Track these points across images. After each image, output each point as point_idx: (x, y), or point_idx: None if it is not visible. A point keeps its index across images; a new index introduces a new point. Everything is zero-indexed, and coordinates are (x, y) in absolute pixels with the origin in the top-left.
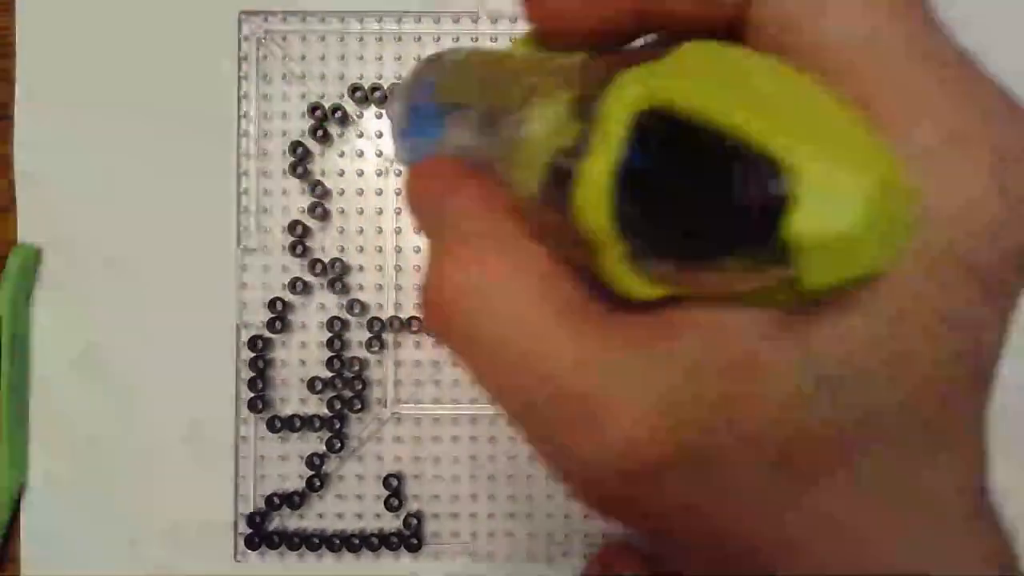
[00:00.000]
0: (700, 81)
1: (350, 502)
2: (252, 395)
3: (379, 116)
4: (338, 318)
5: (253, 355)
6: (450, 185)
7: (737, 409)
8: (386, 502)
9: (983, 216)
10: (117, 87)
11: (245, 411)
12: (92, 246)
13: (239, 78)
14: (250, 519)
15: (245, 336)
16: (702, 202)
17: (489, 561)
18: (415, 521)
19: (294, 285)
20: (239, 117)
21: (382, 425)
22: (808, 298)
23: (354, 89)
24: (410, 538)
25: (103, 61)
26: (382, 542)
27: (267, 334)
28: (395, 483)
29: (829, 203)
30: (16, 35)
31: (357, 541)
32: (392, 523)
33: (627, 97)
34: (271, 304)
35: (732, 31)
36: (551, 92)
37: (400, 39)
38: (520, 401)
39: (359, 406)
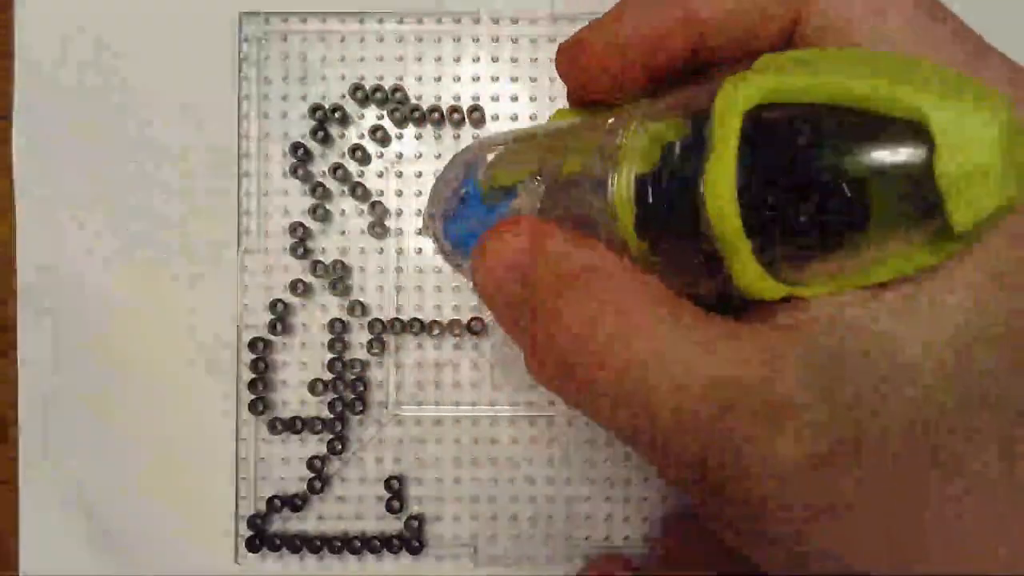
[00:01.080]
0: (796, 71)
1: (351, 504)
2: (253, 397)
3: (380, 117)
4: (339, 320)
5: (254, 357)
6: (537, 235)
7: (882, 396)
8: (387, 504)
9: None
10: (117, 87)
11: (246, 413)
12: (92, 246)
13: (239, 79)
14: (251, 521)
15: (246, 338)
16: (830, 184)
17: (491, 563)
18: (416, 523)
19: (295, 287)
20: (239, 118)
21: (383, 427)
22: (943, 252)
23: (355, 90)
24: (411, 540)
25: (103, 61)
26: (383, 544)
27: (268, 336)
28: (396, 485)
29: (966, 142)
30: (15, 35)
31: (358, 543)
32: (393, 525)
33: (739, 93)
34: (272, 306)
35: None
36: (635, 130)
37: (401, 40)
38: (684, 425)
39: (360, 408)
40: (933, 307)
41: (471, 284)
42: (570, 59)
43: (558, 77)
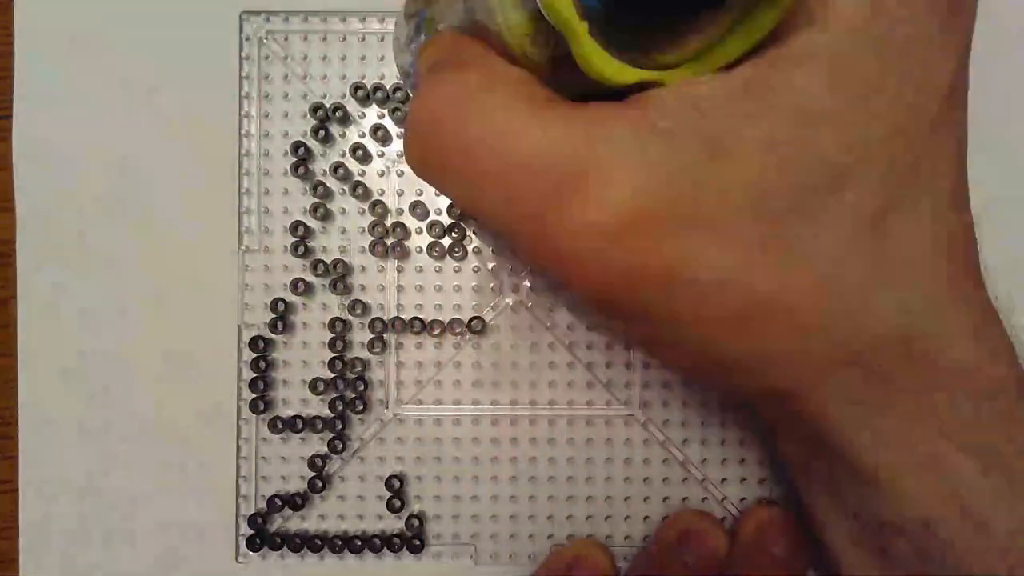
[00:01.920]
0: None
1: (352, 503)
2: (254, 396)
3: (381, 116)
4: (340, 319)
5: (255, 356)
6: (446, 40)
7: (720, 167)
8: (388, 503)
9: None
10: (117, 87)
11: (246, 412)
12: (93, 245)
13: (240, 78)
14: (251, 520)
15: (246, 337)
16: None
17: (492, 563)
18: (417, 522)
19: (296, 286)
20: (240, 117)
21: (384, 426)
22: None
23: (356, 89)
24: (412, 539)
25: (103, 61)
26: (384, 543)
27: (269, 335)
28: (397, 484)
29: None
30: (15, 35)
31: (359, 542)
32: (394, 524)
33: None
34: (273, 305)
35: None
36: None
37: None
38: (508, 187)
39: (361, 407)
40: (776, 90)
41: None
42: None
43: None
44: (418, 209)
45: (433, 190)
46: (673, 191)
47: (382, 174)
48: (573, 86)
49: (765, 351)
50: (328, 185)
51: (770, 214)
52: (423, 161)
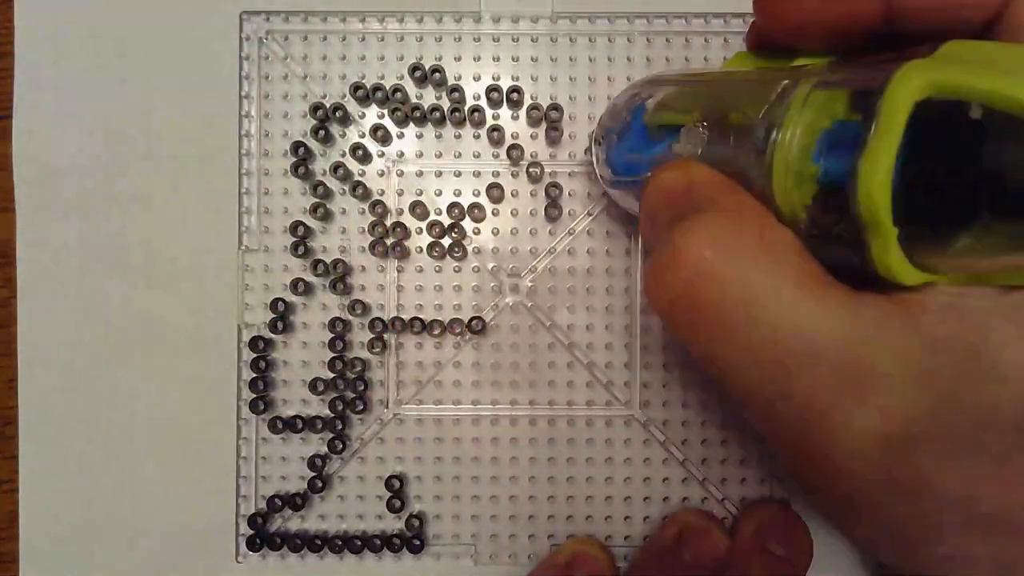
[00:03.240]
0: (973, 68)
1: (352, 503)
2: (253, 396)
3: (381, 116)
4: (340, 319)
5: (255, 356)
6: (695, 174)
7: (980, 384)
8: (388, 503)
9: None
10: (117, 87)
11: (246, 412)
12: (93, 246)
13: (240, 78)
14: (251, 520)
15: (246, 337)
16: (975, 182)
17: (491, 563)
18: (417, 522)
19: (296, 286)
20: (240, 117)
21: (384, 426)
22: None
23: (356, 89)
24: (412, 539)
25: (103, 60)
26: (384, 543)
27: (268, 335)
28: (397, 484)
29: None
30: (15, 35)
31: (359, 542)
32: (394, 524)
33: (912, 85)
34: (273, 305)
35: (984, 34)
36: (803, 97)
37: (402, 39)
38: (775, 364)
39: (361, 407)
40: None
41: (633, 209)
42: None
43: (559, 77)
44: (418, 209)
45: (433, 190)
46: (946, 405)
47: (382, 174)
48: (825, 254)
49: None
50: (328, 185)
51: None
52: (676, 307)
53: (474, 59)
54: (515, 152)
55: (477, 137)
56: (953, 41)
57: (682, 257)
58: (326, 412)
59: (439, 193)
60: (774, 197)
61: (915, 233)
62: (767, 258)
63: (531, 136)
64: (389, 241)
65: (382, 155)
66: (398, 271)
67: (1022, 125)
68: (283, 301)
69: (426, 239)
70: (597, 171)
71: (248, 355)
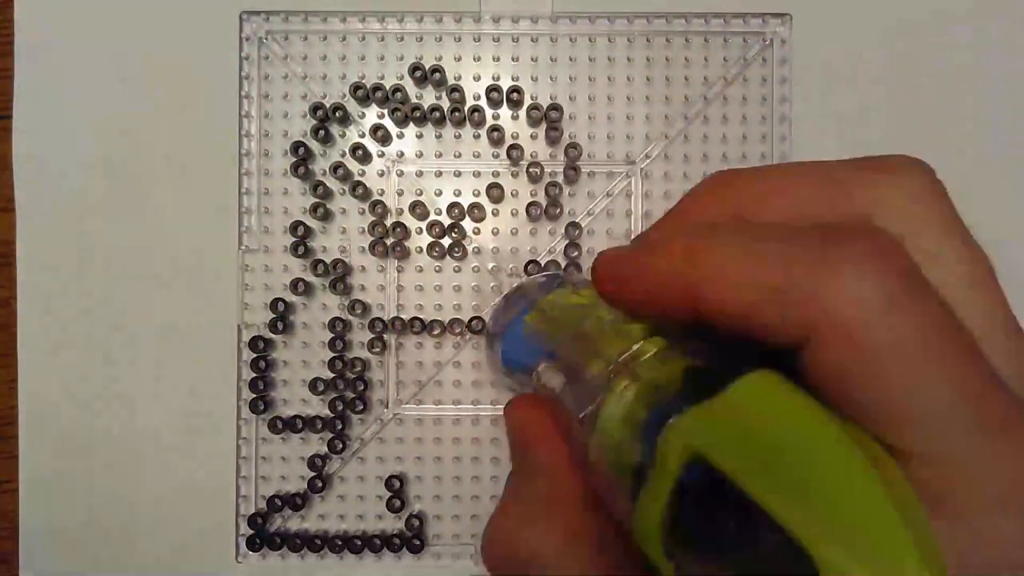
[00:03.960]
0: (745, 443)
1: (352, 503)
2: (254, 396)
3: (380, 116)
4: (340, 319)
5: (255, 356)
6: (535, 434)
7: None
8: (388, 503)
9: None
10: (117, 87)
11: (247, 412)
12: (93, 246)
13: (240, 78)
14: (252, 520)
15: (247, 337)
16: (741, 544)
17: None
18: (417, 522)
19: (296, 286)
20: (241, 117)
21: (384, 426)
22: None
23: (355, 89)
24: (412, 539)
25: (103, 61)
26: (384, 543)
27: (269, 335)
28: (397, 484)
29: None
30: (15, 34)
31: (359, 542)
32: (394, 524)
33: (677, 448)
34: (273, 305)
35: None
36: (629, 377)
37: (402, 39)
38: None
39: (361, 407)
40: None
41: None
42: (603, 276)
43: (559, 78)
44: (418, 209)
45: (433, 190)
46: None
47: (382, 174)
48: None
49: None
50: (328, 185)
51: None
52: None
53: (474, 59)
54: (515, 152)
55: (477, 137)
56: (750, 378)
57: (502, 536)
58: (326, 412)
59: (439, 193)
60: (588, 453)
61: (706, 559)
62: (571, 552)
63: (531, 136)
64: (389, 241)
65: (382, 155)
66: (398, 271)
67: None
68: (283, 301)
69: (426, 239)
70: (488, 357)
71: (248, 355)
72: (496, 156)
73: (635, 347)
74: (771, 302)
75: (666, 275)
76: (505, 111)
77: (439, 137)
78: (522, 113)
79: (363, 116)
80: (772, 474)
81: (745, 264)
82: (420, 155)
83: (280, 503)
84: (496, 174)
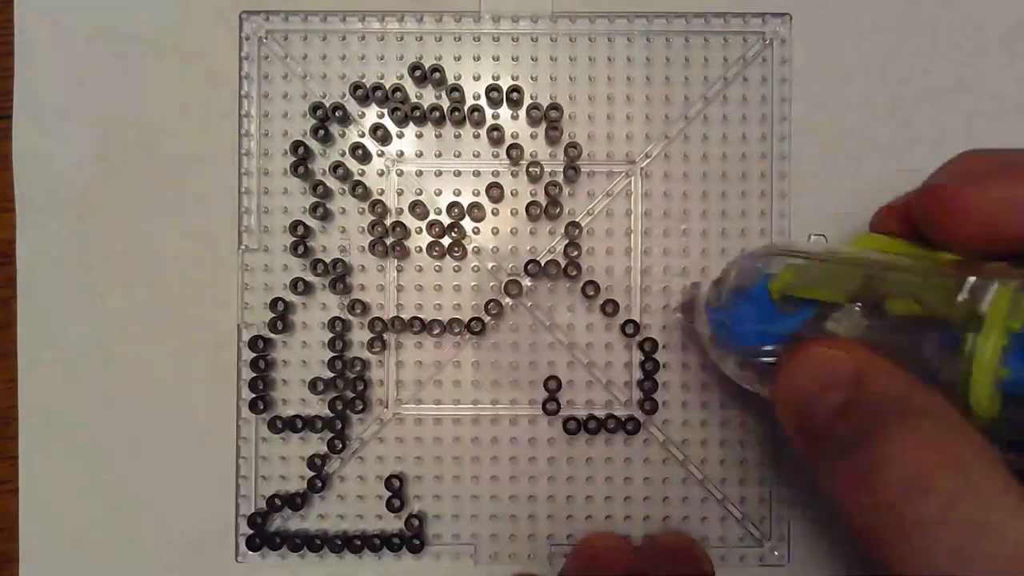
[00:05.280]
0: None
1: (352, 503)
2: (253, 395)
3: (380, 116)
4: (339, 318)
5: (254, 355)
6: (867, 361)
7: None
8: (388, 503)
9: None
10: (117, 87)
11: (246, 411)
12: (93, 245)
13: (240, 78)
14: (251, 520)
15: (246, 336)
16: None
17: (491, 562)
18: (417, 522)
19: (295, 285)
20: (240, 117)
21: (384, 426)
22: None
23: (355, 88)
24: (412, 539)
25: (103, 60)
26: (384, 543)
27: (268, 334)
28: (397, 484)
29: None
30: (15, 35)
31: (359, 542)
32: (394, 524)
33: None
34: (272, 304)
35: None
36: (1004, 302)
37: (402, 38)
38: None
39: (361, 407)
40: None
41: (748, 382)
42: (940, 208)
43: (559, 77)
44: (418, 209)
45: (432, 190)
46: None
47: (382, 174)
48: (1010, 460)
49: None
50: (328, 185)
51: None
52: (883, 519)
53: (474, 59)
54: (515, 152)
55: (477, 137)
56: None
57: (897, 466)
58: (326, 412)
59: (439, 193)
60: (968, 399)
61: None
62: (991, 472)
63: (531, 136)
64: (389, 241)
65: (382, 155)
66: (398, 271)
67: None
68: (283, 300)
69: (426, 239)
70: (706, 341)
71: (248, 354)
72: (496, 156)
73: (976, 279)
74: None
75: (999, 200)
76: (505, 111)
77: (439, 137)
78: (522, 113)
79: (363, 116)
80: None
81: None
82: (420, 155)
83: (280, 503)
84: (496, 174)
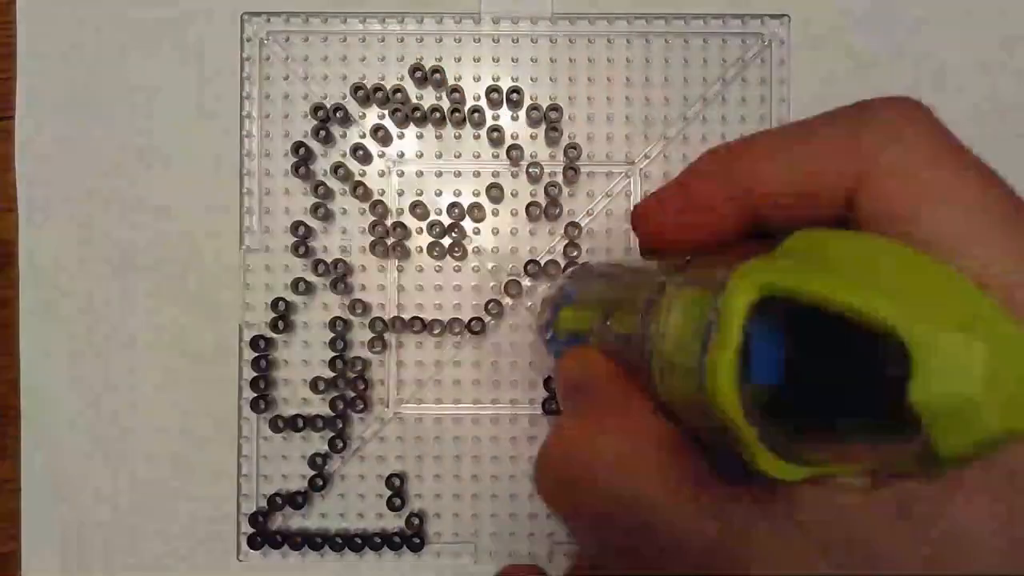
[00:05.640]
0: (809, 267)
1: (352, 502)
2: (255, 395)
3: (381, 116)
4: (340, 318)
5: (256, 355)
6: (587, 364)
7: None
8: (388, 502)
9: None
10: (119, 87)
11: (248, 411)
12: (94, 245)
13: (242, 79)
14: (253, 518)
15: (248, 336)
16: (827, 379)
17: (491, 560)
18: (417, 520)
19: (297, 285)
20: (242, 118)
21: (384, 425)
22: (940, 467)
23: (356, 89)
24: (412, 537)
25: (104, 61)
26: (384, 541)
27: (270, 334)
28: (397, 483)
29: (948, 370)
30: (16, 35)
31: (359, 540)
32: (394, 523)
33: (744, 289)
34: (274, 304)
35: (838, 222)
36: (672, 295)
37: (402, 40)
38: (644, 555)
39: (361, 406)
40: (925, 522)
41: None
42: (641, 219)
43: (558, 78)
44: (418, 209)
45: (433, 190)
46: None
47: (382, 174)
48: (707, 426)
49: None
50: (329, 185)
51: None
52: (553, 501)
53: (474, 60)
54: (515, 152)
55: (477, 137)
56: (800, 232)
57: (562, 448)
58: (327, 411)
59: (439, 193)
60: (656, 388)
61: (805, 425)
62: (650, 457)
63: (531, 136)
64: (389, 241)
65: (382, 155)
66: (398, 271)
67: (841, 329)
68: (284, 300)
69: (426, 239)
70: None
71: (249, 354)
72: (496, 156)
73: (665, 274)
74: (821, 168)
75: (714, 185)
76: (505, 111)
77: (439, 137)
78: (522, 114)
79: (364, 116)
80: (842, 277)
81: (786, 141)
82: (420, 155)
83: (281, 501)
84: (496, 174)
